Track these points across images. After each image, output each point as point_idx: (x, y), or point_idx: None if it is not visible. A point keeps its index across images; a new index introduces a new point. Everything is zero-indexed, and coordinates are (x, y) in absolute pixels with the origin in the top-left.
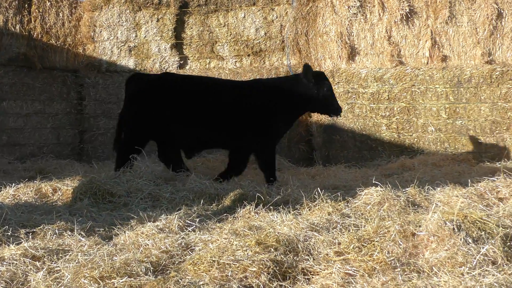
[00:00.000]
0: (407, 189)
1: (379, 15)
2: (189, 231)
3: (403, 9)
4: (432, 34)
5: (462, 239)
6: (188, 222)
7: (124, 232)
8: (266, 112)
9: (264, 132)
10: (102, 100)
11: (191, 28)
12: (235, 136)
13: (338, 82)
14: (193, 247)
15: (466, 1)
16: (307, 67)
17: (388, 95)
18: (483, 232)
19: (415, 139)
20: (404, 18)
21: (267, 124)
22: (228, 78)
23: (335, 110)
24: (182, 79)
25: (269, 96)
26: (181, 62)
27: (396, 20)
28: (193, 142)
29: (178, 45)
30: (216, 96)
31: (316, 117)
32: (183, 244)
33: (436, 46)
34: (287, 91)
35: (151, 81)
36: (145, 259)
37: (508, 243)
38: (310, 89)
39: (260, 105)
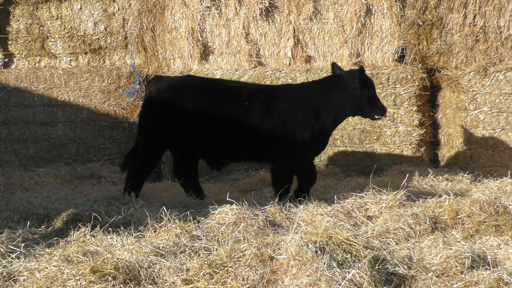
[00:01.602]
0: (266, 207)
1: (236, 9)
2: (12, 258)
3: (262, 3)
4: (294, 32)
5: (326, 263)
6: (12, 247)
7: None
8: (305, 121)
9: (301, 144)
10: None
11: (18, 20)
12: (269, 149)
13: None
14: (17, 277)
15: None
16: (360, 69)
17: None
18: (349, 255)
19: None
20: (264, 13)
21: (304, 135)
22: (62, 79)
23: (381, 110)
24: (208, 82)
25: (308, 102)
26: (6, 60)
27: (254, 16)
28: (221, 153)
29: (2, 40)
30: (248, 102)
31: None
32: (4, 273)
33: (300, 45)
34: (328, 95)
35: (172, 84)
36: None
37: (377, 267)
38: (354, 91)
39: (298, 113)
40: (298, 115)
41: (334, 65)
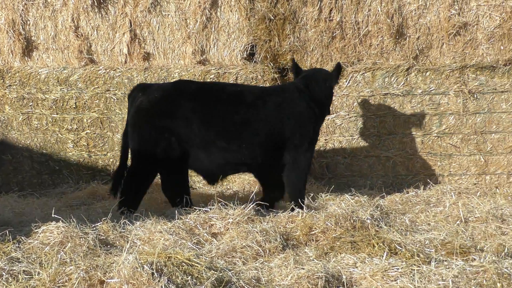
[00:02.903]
0: (98, 224)
1: None
2: None
3: None
4: (131, 25)
5: (164, 287)
6: None
7: None
8: (305, 122)
9: (303, 147)
10: None
11: None
12: (272, 154)
13: (10, 85)
14: None
15: None
16: (339, 66)
17: (75, 103)
18: (190, 277)
19: (111, 160)
20: (96, 3)
21: (305, 137)
22: None
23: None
24: (201, 87)
25: (307, 104)
26: None
27: (85, 6)
28: (221, 164)
29: None
30: (248, 106)
31: None
32: None
33: (137, 40)
34: (320, 96)
35: (164, 92)
36: None
37: None
38: (331, 90)
39: (298, 113)
40: (302, 118)
41: (294, 62)
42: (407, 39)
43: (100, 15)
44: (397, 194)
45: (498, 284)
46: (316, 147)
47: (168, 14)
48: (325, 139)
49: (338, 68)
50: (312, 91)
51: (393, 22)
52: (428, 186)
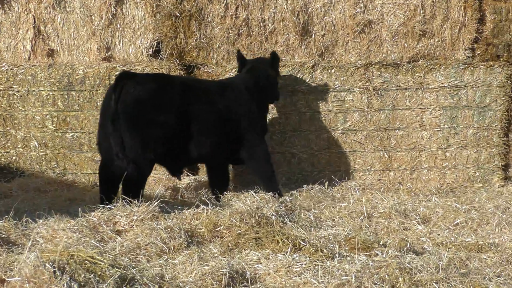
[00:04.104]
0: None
1: None
2: None
3: None
4: (35, 22)
5: (66, 285)
6: None
7: None
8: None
9: (259, 137)
10: None
11: None
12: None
13: None
14: None
15: None
16: (275, 56)
17: None
18: (92, 275)
19: (14, 157)
20: None
21: (261, 126)
22: None
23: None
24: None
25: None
26: None
27: None
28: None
29: None
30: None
31: None
32: None
33: (41, 37)
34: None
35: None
36: None
37: (124, 287)
38: (275, 80)
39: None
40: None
41: (239, 53)
42: (313, 36)
43: (3, 11)
44: (302, 190)
45: (400, 279)
46: None
47: (73, 11)
48: None
49: (274, 57)
50: (257, 85)
51: (299, 19)
52: (333, 182)
